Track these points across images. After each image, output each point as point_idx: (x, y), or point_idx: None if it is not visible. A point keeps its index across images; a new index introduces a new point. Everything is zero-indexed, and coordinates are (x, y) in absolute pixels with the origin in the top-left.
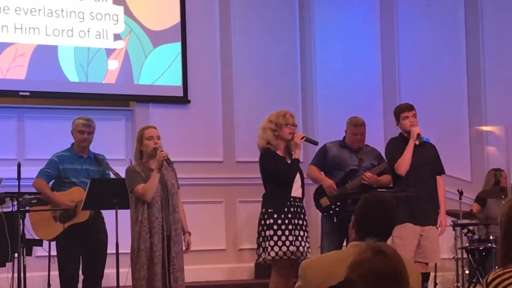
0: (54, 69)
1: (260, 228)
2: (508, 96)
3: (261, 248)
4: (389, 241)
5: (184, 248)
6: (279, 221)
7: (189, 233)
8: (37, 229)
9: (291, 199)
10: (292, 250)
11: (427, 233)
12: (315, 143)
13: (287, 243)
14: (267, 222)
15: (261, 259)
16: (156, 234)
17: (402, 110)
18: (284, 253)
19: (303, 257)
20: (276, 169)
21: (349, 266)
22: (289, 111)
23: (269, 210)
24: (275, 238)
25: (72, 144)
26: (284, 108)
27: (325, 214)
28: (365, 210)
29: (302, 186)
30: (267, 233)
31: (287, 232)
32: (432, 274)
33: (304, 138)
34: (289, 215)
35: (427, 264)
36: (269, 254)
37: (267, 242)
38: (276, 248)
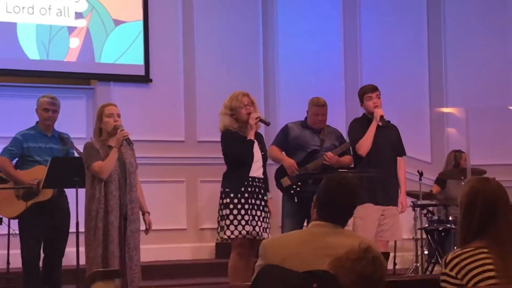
0: (13, 46)
1: (219, 207)
2: (468, 78)
3: (219, 227)
4: (350, 221)
5: (145, 228)
6: (235, 201)
7: (148, 213)
8: (0, 207)
9: (249, 179)
10: (248, 229)
11: (388, 212)
12: (267, 124)
13: (243, 222)
14: (224, 201)
15: (219, 237)
16: (112, 212)
17: (366, 91)
18: (240, 232)
19: (259, 237)
20: (231, 150)
21: (337, 260)
22: (242, 91)
23: (226, 190)
24: (231, 217)
25: (37, 123)
26: (246, 88)
27: (286, 194)
28: (327, 191)
29: (264, 166)
30: (224, 212)
31: (243, 212)
32: (391, 254)
33: (259, 119)
34: (246, 195)
35: (387, 242)
36: (225, 233)
37: (223, 221)
38: (231, 227)
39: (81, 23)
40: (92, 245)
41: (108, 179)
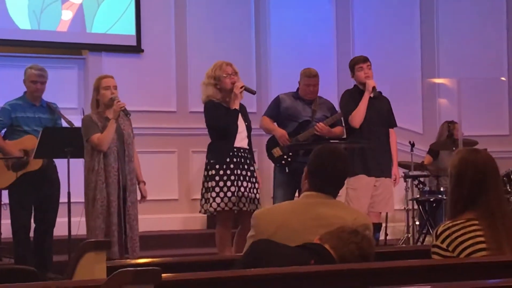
0: (3, 16)
1: (204, 179)
2: (460, 49)
3: (203, 199)
4: (343, 192)
5: (140, 198)
6: (221, 172)
7: (144, 182)
8: None
9: (234, 150)
10: (234, 201)
11: (381, 183)
12: (254, 92)
13: (229, 194)
14: (209, 173)
15: (203, 210)
16: (112, 184)
17: (356, 62)
18: (226, 204)
19: (246, 208)
20: (215, 121)
21: (333, 232)
22: (225, 61)
23: (211, 161)
24: (217, 189)
25: (25, 93)
26: (238, 59)
27: (277, 164)
28: (318, 161)
29: (249, 136)
30: (209, 184)
31: (228, 183)
32: (383, 225)
33: (243, 88)
34: (232, 166)
35: (379, 213)
36: (211, 206)
37: (209, 194)
38: (217, 199)
39: (80, 1)
40: (92, 216)
41: (107, 151)
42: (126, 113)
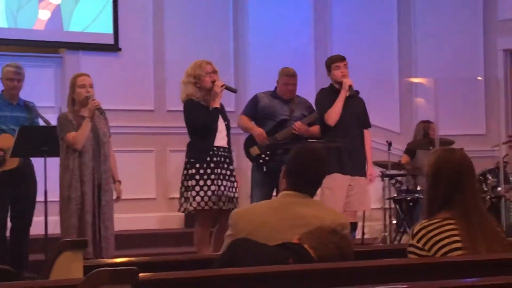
0: None
1: (183, 178)
2: (437, 49)
3: (183, 198)
4: (318, 191)
5: (115, 197)
6: (201, 171)
7: (120, 182)
8: None
9: (215, 149)
10: (214, 200)
11: (356, 182)
12: (234, 91)
13: (209, 193)
14: (190, 172)
15: (182, 208)
16: (87, 183)
17: (333, 61)
18: (206, 203)
19: (226, 206)
20: (195, 120)
21: (312, 232)
22: (205, 60)
23: (191, 160)
24: (197, 188)
25: (2, 91)
26: (216, 57)
27: (255, 163)
28: (297, 160)
29: (228, 135)
30: (189, 183)
31: (209, 182)
32: (360, 224)
33: (224, 87)
34: (212, 165)
35: (355, 212)
36: (191, 205)
37: (189, 192)
38: (198, 199)
39: (57, 0)
40: (67, 215)
41: (82, 149)
42: (101, 112)
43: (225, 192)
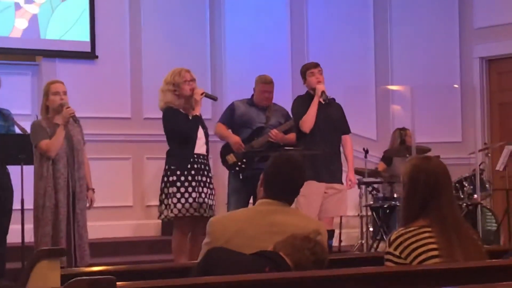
0: None
1: (163, 185)
2: (413, 56)
3: (163, 205)
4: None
5: (87, 205)
6: (182, 178)
7: (93, 190)
8: None
9: (195, 156)
10: (195, 207)
11: (331, 190)
12: (215, 99)
13: (190, 200)
14: (170, 179)
15: (163, 216)
16: (61, 191)
17: (308, 68)
18: (187, 210)
19: (206, 214)
20: (176, 127)
21: (286, 240)
22: (184, 68)
23: (172, 167)
24: (178, 195)
25: None
26: (193, 65)
27: (231, 171)
28: (275, 169)
29: (207, 143)
30: (170, 190)
31: (190, 189)
32: (337, 231)
33: (204, 94)
34: (193, 172)
35: (332, 219)
36: (171, 212)
37: (170, 199)
38: (179, 205)
39: (33, 9)
40: (41, 223)
41: (56, 157)
42: (75, 120)
43: (205, 200)
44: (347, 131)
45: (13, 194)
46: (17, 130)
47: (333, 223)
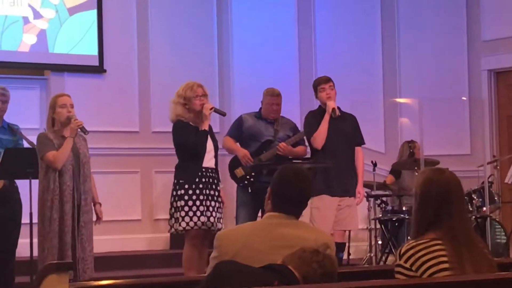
0: None
1: (172, 199)
2: (421, 69)
3: (173, 219)
4: (306, 212)
5: (96, 219)
6: (190, 192)
7: (100, 204)
8: None
9: (203, 170)
10: (203, 220)
11: (344, 203)
12: (224, 114)
13: (198, 213)
14: (179, 192)
15: (173, 229)
16: (67, 203)
17: (319, 83)
18: (195, 223)
19: (214, 227)
20: (184, 141)
21: (295, 253)
22: (197, 82)
23: (181, 181)
24: (186, 208)
25: None
26: (201, 79)
27: (240, 184)
28: (282, 182)
29: (216, 156)
30: (178, 203)
31: (198, 203)
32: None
33: (213, 109)
34: (200, 186)
35: (344, 232)
36: (180, 225)
37: (178, 213)
38: (187, 219)
39: (42, 24)
40: (48, 236)
41: (62, 169)
42: (84, 131)
43: (213, 213)
44: (360, 142)
45: (21, 208)
46: (26, 144)
47: (344, 236)
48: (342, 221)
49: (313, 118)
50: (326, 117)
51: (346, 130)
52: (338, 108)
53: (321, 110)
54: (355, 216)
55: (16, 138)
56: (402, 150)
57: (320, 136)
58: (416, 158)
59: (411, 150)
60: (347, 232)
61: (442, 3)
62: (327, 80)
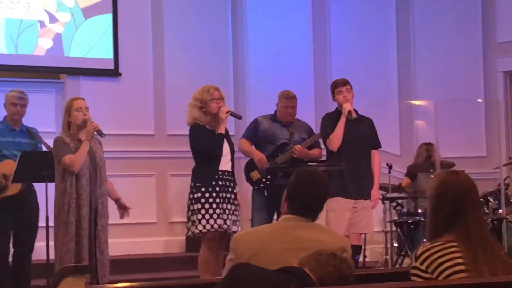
0: None
1: (189, 202)
2: (437, 71)
3: (190, 222)
4: (322, 214)
5: (123, 212)
6: (207, 195)
7: (121, 198)
8: None
9: (219, 173)
10: (220, 223)
11: (359, 205)
12: (240, 117)
13: (214, 216)
14: (195, 195)
15: (190, 232)
16: (84, 207)
17: (336, 85)
18: (212, 226)
19: (230, 230)
20: (200, 144)
21: (311, 256)
22: (213, 85)
23: (197, 184)
24: (203, 211)
25: (5, 117)
26: (216, 82)
27: (255, 187)
28: (297, 185)
29: (232, 159)
30: (195, 206)
31: (214, 206)
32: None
33: (229, 113)
34: (217, 189)
35: (360, 235)
36: (196, 228)
37: (195, 216)
38: (203, 221)
39: (57, 27)
40: (64, 239)
41: (79, 173)
42: (100, 134)
43: (229, 216)
44: (376, 145)
45: (38, 211)
46: (44, 148)
47: (361, 239)
48: (358, 224)
49: (330, 120)
50: (342, 119)
51: (363, 133)
52: (355, 111)
53: (338, 112)
54: (371, 219)
55: (35, 141)
56: (419, 152)
57: (336, 138)
58: (432, 160)
59: (429, 153)
60: (363, 235)
61: (457, 6)
62: (345, 82)
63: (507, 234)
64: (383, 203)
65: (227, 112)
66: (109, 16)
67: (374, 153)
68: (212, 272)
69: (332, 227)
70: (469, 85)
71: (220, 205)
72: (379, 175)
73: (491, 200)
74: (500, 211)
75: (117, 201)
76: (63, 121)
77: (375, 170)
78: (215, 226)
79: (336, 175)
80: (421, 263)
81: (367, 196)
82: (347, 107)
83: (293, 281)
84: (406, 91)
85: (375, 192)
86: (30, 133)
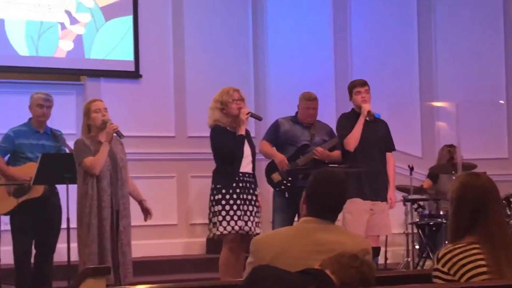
0: (2, 42)
1: (210, 203)
2: (459, 72)
3: (211, 224)
4: (340, 216)
5: (146, 214)
6: (227, 196)
7: (145, 200)
8: None
9: (240, 175)
10: (240, 225)
11: (377, 207)
12: (260, 119)
13: (235, 217)
14: (216, 197)
15: (211, 234)
16: (105, 208)
17: (354, 85)
18: (232, 227)
19: (251, 232)
20: (221, 146)
21: (332, 258)
22: (233, 87)
23: (218, 186)
24: (223, 213)
25: (30, 119)
26: (236, 83)
27: (276, 189)
28: (316, 186)
29: (253, 161)
30: (216, 208)
31: (235, 207)
32: (382, 249)
33: (250, 114)
34: (238, 190)
35: (378, 237)
36: (217, 229)
37: (216, 218)
38: (224, 223)
39: (78, 29)
40: (87, 241)
41: (100, 175)
42: (120, 135)
43: (250, 218)
44: (391, 148)
45: (61, 213)
46: (67, 151)
47: (379, 241)
48: (375, 226)
49: (346, 121)
50: (361, 120)
51: (379, 135)
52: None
53: (354, 113)
54: (388, 221)
55: (58, 144)
56: (441, 154)
57: (354, 138)
58: (454, 162)
59: (451, 155)
60: (383, 237)
61: (479, 5)
62: (363, 83)
63: None
64: (404, 205)
65: (247, 114)
66: (130, 18)
67: (389, 155)
68: (233, 274)
69: (349, 229)
70: (491, 86)
71: (241, 207)
72: (395, 178)
73: None
74: None
75: (140, 202)
76: (83, 124)
77: (390, 173)
78: (236, 228)
79: (353, 176)
80: (443, 265)
81: (384, 198)
82: (366, 107)
83: (314, 283)
84: (427, 92)
85: (392, 195)
86: (55, 135)
